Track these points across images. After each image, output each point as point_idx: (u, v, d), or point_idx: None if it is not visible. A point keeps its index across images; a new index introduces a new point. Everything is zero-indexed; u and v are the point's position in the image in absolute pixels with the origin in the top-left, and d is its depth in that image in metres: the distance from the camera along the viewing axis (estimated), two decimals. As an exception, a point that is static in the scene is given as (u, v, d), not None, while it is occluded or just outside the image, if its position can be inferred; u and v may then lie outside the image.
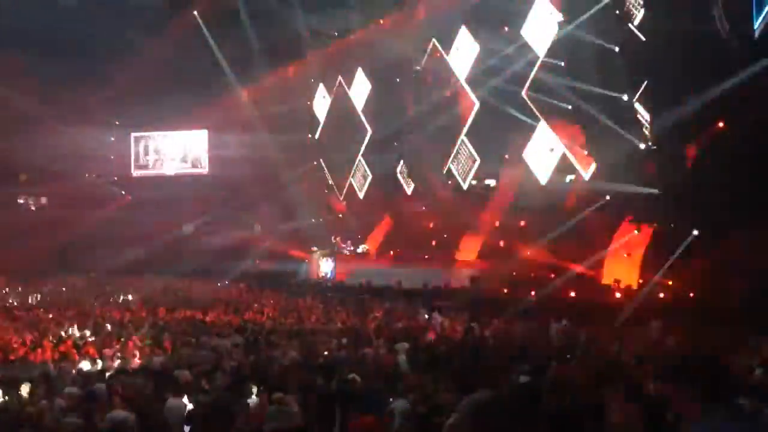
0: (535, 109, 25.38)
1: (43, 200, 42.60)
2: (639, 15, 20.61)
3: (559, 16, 23.84)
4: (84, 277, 32.75)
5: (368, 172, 35.04)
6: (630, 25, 20.82)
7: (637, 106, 20.98)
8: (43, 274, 32.43)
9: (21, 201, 42.78)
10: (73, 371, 11.13)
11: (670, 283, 19.24)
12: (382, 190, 34.00)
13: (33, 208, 42.85)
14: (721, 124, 18.45)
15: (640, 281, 20.73)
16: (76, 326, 16.71)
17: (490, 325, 16.71)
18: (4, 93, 33.52)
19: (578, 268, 22.31)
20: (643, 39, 20.10)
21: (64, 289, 28.83)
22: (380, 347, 13.04)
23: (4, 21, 31.88)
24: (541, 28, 24.90)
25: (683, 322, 14.63)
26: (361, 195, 35.56)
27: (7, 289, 27.39)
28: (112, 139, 43.99)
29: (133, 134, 44.28)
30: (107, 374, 10.69)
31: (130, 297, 24.61)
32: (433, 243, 30.60)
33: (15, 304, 21.75)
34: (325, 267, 33.52)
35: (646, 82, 20.53)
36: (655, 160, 20.51)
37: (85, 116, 37.66)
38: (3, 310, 20.06)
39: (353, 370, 10.78)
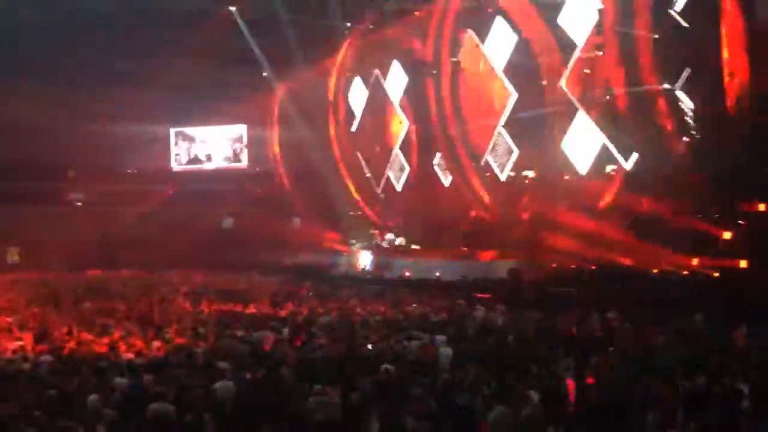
0: (573, 99, 25.06)
1: (89, 195, 43.48)
2: (681, 0, 20.20)
3: (598, 3, 23.46)
4: (128, 270, 33.37)
5: (405, 164, 34.99)
6: (671, 11, 20.41)
7: (680, 94, 20.57)
8: (89, 268, 33.16)
9: (69, 196, 43.73)
10: (121, 363, 11.34)
11: (716, 275, 18.86)
12: (420, 182, 33.94)
13: (80, 203, 43.78)
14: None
15: (686, 272, 20.35)
16: (121, 319, 17.06)
17: (531, 317, 16.57)
18: (51, 92, 34.27)
19: (622, 259, 21.99)
20: (686, 25, 19.70)
21: (109, 281, 29.43)
22: (419, 339, 13.02)
23: (47, 22, 32.56)
24: (580, 16, 24.54)
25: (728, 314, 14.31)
26: (398, 187, 35.54)
27: (55, 282, 28.04)
28: (154, 135, 44.66)
29: (173, 129, 44.94)
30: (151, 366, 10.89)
31: (172, 290, 24.99)
32: (471, 235, 30.42)
33: (63, 297, 22.24)
34: (364, 260, 33.60)
35: (688, 71, 20.11)
36: (698, 148, 20.11)
37: (127, 113, 38.27)
38: (52, 304, 20.54)
39: (392, 363, 10.81)
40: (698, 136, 20.18)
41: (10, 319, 16.91)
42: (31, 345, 13.32)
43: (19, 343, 13.41)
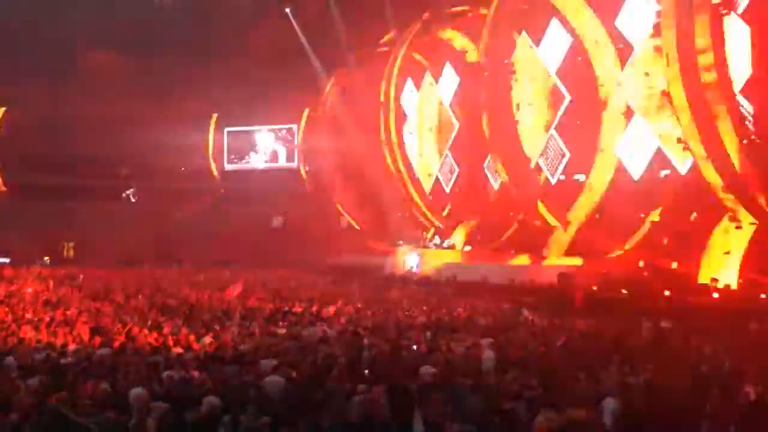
0: (630, 102, 24.60)
1: (143, 192, 44.48)
2: (743, 3, 19.63)
3: (656, 5, 22.95)
4: (178, 267, 33.97)
5: (455, 166, 34.85)
6: (733, 13, 19.86)
7: (740, 98, 19.99)
8: (142, 263, 33.88)
9: (124, 194, 44.84)
10: (171, 357, 11.55)
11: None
12: (470, 184, 33.76)
13: (133, 200, 44.84)
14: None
15: (740, 281, 19.77)
16: (172, 315, 17.40)
17: (579, 323, 16.31)
18: (109, 91, 35.19)
19: (674, 266, 21.49)
20: (748, 28, 19.15)
21: (161, 277, 30.06)
22: (465, 342, 12.95)
23: (105, 22, 33.43)
24: (638, 18, 24.08)
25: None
26: (447, 189, 35.42)
27: (108, 276, 28.77)
28: (208, 134, 45.52)
29: (227, 129, 45.71)
30: (199, 361, 11.06)
31: (222, 287, 25.38)
32: (520, 238, 30.13)
33: (116, 293, 22.80)
34: (411, 261, 33.56)
35: (750, 74, 19.55)
36: (759, 153, 19.49)
37: (182, 112, 39.09)
38: (105, 298, 21.08)
39: (437, 365, 10.76)
40: (757, 140, 19.57)
41: (68, 313, 17.39)
42: (87, 338, 13.66)
43: (74, 336, 13.77)
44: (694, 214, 22.44)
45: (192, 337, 13.44)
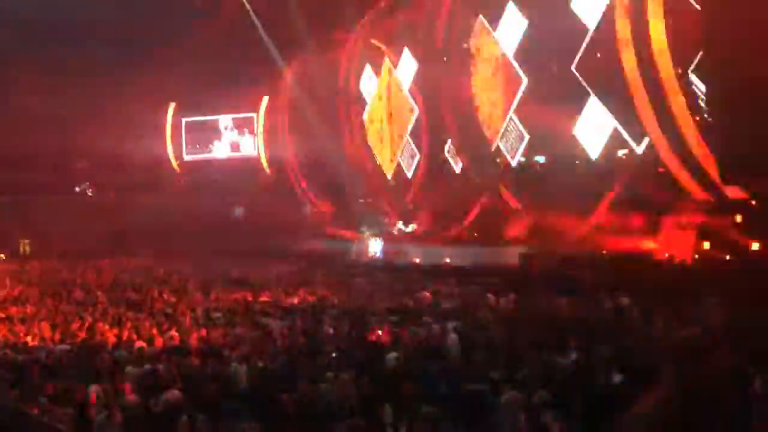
0: (585, 84, 24.89)
1: (99, 185, 43.72)
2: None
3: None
4: (139, 259, 33.50)
5: (416, 151, 34.93)
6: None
7: (692, 77, 20.38)
8: (100, 257, 33.32)
9: (79, 187, 43.99)
10: (133, 352, 11.43)
11: (728, 257, 18.73)
12: (431, 168, 33.87)
13: (90, 193, 44.04)
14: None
15: (696, 256, 20.24)
16: (134, 309, 17.18)
17: (541, 304, 16.54)
18: (63, 83, 34.40)
19: (632, 244, 21.88)
20: (698, 8, 19.48)
21: (121, 270, 29.64)
22: (430, 326, 13.04)
23: (56, 10, 32.61)
24: (592, 1, 24.33)
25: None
26: (409, 174, 35.51)
27: (66, 272, 28.25)
28: (166, 124, 44.84)
29: (185, 119, 45.08)
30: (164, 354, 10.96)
31: (184, 279, 25.12)
32: (483, 221, 30.38)
33: (74, 286, 22.41)
34: (374, 247, 33.62)
35: (701, 53, 19.92)
36: (711, 130, 19.93)
37: (138, 103, 38.40)
38: (64, 293, 20.70)
39: (402, 350, 10.84)
40: (710, 118, 20.01)
41: (26, 310, 17.06)
42: (49, 335, 13.44)
43: (35, 333, 13.54)
44: (651, 192, 22.85)
45: (155, 331, 13.30)
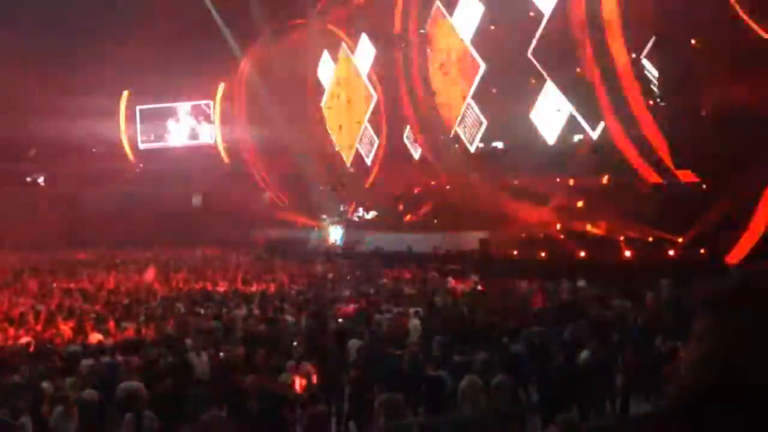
0: (541, 69, 25.12)
1: (52, 175, 42.70)
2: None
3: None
4: (94, 249, 32.89)
5: (375, 138, 34.90)
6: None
7: (645, 62, 20.73)
8: (54, 248, 32.62)
9: (30, 177, 42.92)
10: (90, 346, 11.25)
11: (680, 240, 19.17)
12: (390, 155, 33.89)
13: (42, 182, 43.02)
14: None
15: (650, 240, 20.66)
16: (90, 300, 16.89)
17: (500, 287, 16.76)
18: (13, 70, 33.41)
19: (588, 228, 22.26)
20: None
21: (76, 262, 29.06)
22: (392, 312, 13.11)
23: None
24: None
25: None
26: (368, 161, 35.48)
27: (19, 263, 27.57)
28: (119, 112, 43.93)
29: (139, 107, 44.20)
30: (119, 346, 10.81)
31: (141, 269, 24.77)
32: (442, 207, 30.55)
33: (27, 278, 21.88)
34: (335, 234, 33.58)
35: (653, 39, 20.26)
36: (664, 114, 20.33)
37: (91, 90, 37.54)
38: (17, 285, 20.22)
39: (363, 337, 10.88)
40: (662, 103, 20.40)
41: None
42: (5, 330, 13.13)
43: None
44: (606, 176, 23.25)
45: (111, 324, 13.10)
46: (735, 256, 16.46)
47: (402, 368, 8.91)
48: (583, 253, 21.32)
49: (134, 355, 9.98)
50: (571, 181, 24.07)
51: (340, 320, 12.94)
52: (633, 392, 8.99)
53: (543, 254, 22.31)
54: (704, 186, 19.16)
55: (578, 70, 23.42)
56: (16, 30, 33.28)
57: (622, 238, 21.35)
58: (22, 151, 41.46)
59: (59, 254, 30.77)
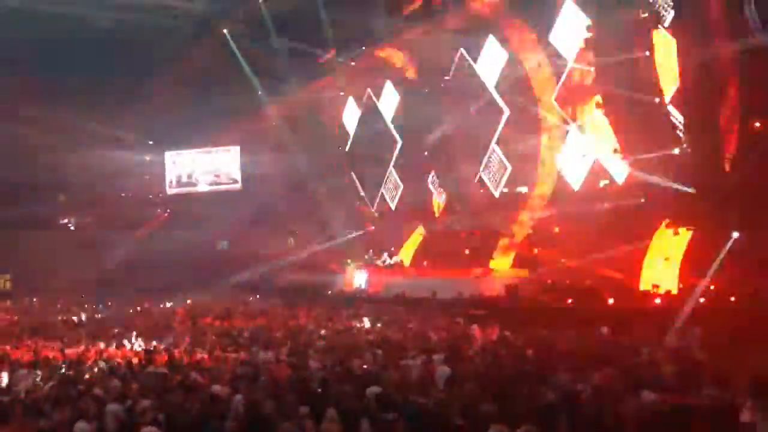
0: (565, 115, 25.21)
1: (82, 220, 43.34)
2: (669, 17, 20.38)
3: (587, 21, 23.65)
4: (123, 297, 33.09)
5: (399, 183, 35.06)
6: (661, 27, 20.61)
7: (671, 108, 20.72)
8: (87, 294, 32.88)
9: (61, 222, 43.59)
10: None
11: (712, 287, 18.83)
12: (414, 200, 33.98)
13: (72, 228, 43.65)
14: (757, 124, 18.16)
15: (680, 286, 20.35)
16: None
17: (527, 334, 16.54)
18: (42, 115, 34.23)
19: (616, 275, 21.97)
20: (674, 41, 19.88)
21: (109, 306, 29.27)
22: (417, 359, 12.98)
23: (41, 44, 32.55)
24: (570, 33, 24.73)
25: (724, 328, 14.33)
26: (392, 206, 35.58)
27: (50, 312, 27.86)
28: (147, 158, 44.72)
29: (167, 153, 44.97)
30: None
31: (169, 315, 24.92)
32: (467, 252, 30.44)
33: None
34: (359, 279, 33.54)
35: (678, 84, 20.28)
36: (691, 161, 20.20)
37: (120, 137, 38.33)
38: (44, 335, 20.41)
39: (388, 384, 10.77)
40: (688, 149, 20.30)
41: (7, 348, 16.86)
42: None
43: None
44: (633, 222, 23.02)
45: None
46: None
47: (427, 416, 8.79)
48: (611, 301, 20.99)
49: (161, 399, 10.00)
50: (598, 227, 23.85)
51: (365, 367, 12.84)
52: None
53: (570, 301, 22.03)
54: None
55: (602, 113, 23.49)
56: (46, 76, 34.21)
57: (651, 284, 21.06)
58: (54, 196, 42.22)
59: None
